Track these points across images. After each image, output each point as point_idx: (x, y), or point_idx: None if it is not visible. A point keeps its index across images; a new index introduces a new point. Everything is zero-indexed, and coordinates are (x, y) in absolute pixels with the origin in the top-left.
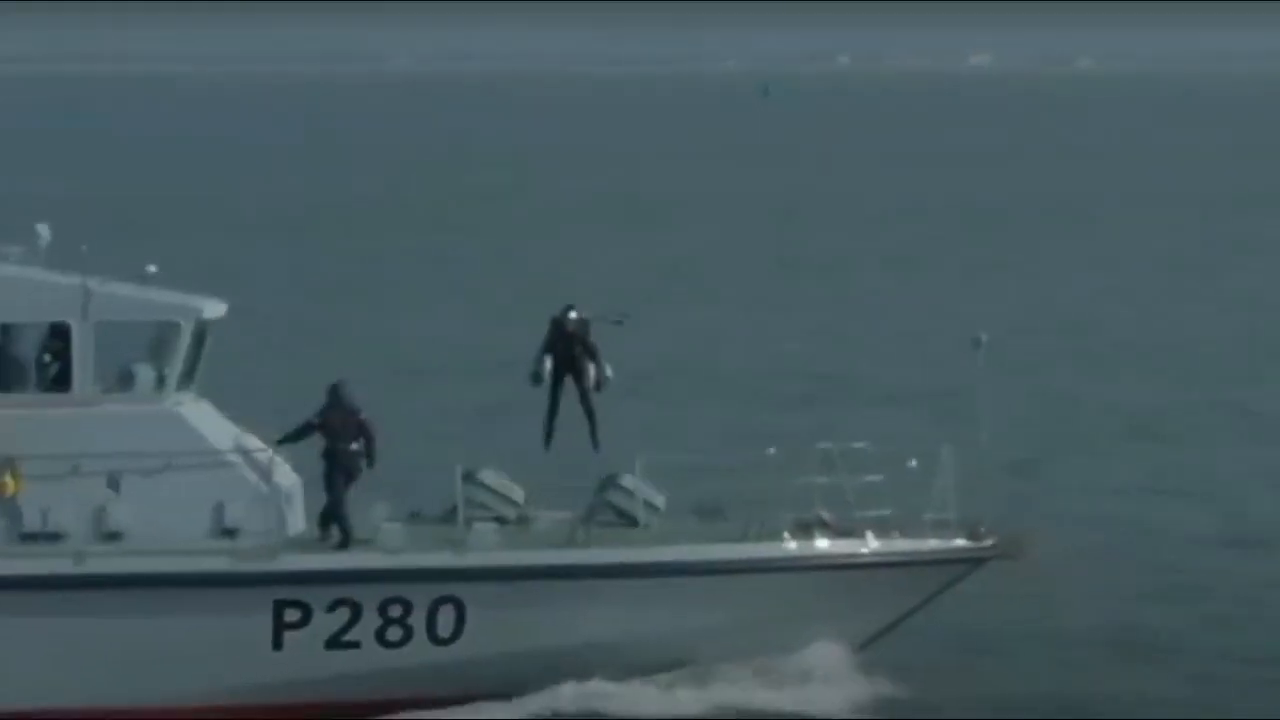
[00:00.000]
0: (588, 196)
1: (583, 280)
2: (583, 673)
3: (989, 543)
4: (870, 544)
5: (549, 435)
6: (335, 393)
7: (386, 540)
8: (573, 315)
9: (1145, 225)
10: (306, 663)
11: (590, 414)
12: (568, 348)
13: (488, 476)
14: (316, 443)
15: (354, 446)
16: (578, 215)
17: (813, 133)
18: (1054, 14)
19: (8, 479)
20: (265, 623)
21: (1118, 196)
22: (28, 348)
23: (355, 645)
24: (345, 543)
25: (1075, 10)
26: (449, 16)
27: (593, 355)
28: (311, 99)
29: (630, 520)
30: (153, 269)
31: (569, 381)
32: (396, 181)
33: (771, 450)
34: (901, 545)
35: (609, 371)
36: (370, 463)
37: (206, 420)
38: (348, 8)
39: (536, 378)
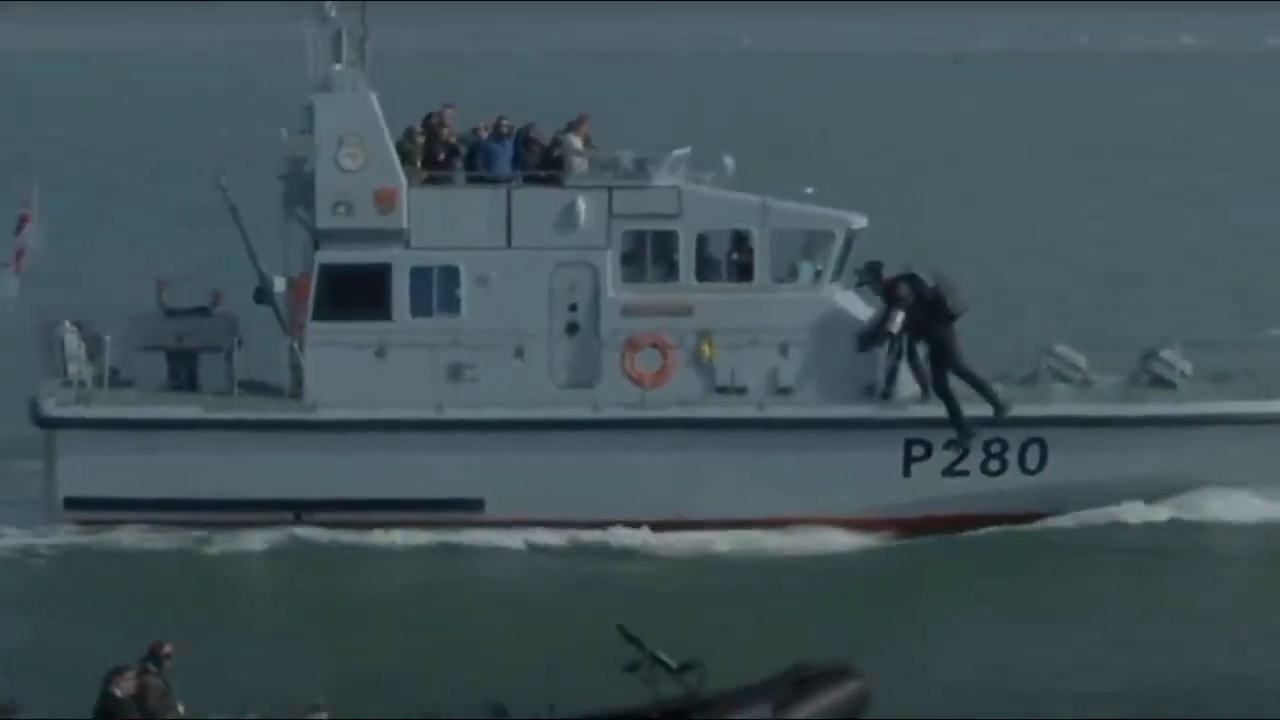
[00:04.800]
0: None
1: None
2: (1131, 496)
3: None
4: None
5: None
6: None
7: None
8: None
9: None
10: (928, 487)
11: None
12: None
13: (1060, 349)
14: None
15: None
16: None
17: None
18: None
19: (706, 347)
20: (898, 456)
21: None
22: (720, 249)
23: (965, 474)
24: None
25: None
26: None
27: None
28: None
29: (1168, 384)
30: (810, 190)
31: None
32: None
33: (1277, 331)
34: None
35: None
36: None
37: (852, 305)
38: None
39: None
